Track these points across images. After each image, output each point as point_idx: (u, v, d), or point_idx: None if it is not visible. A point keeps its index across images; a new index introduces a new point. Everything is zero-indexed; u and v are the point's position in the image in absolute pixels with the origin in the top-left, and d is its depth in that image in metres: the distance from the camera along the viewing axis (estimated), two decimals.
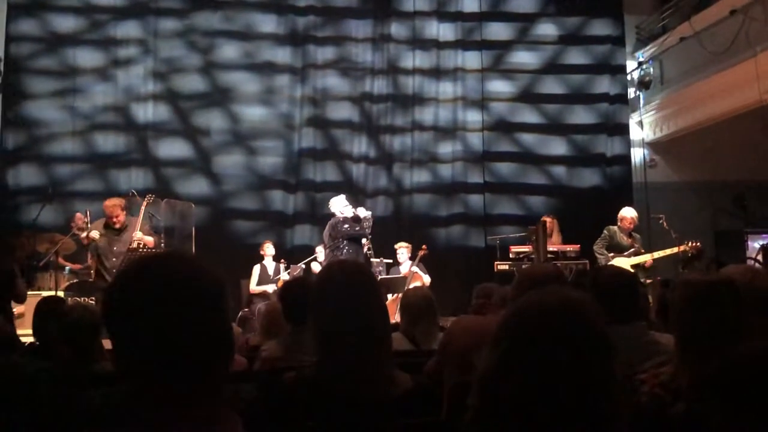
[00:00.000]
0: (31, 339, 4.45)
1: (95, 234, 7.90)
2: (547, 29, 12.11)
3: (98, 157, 11.03)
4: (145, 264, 1.33)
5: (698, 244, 8.65)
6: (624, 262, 8.30)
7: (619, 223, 8.89)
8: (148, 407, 1.25)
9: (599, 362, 1.33)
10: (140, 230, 7.93)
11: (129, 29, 11.27)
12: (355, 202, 9.58)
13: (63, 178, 10.88)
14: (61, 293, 7.95)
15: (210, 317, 1.29)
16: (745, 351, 1.53)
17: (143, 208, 8.27)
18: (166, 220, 9.61)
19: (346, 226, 8.68)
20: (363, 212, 8.73)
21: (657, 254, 8.79)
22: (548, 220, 9.75)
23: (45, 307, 4.14)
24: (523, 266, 4.21)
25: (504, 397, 1.30)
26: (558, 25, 12.13)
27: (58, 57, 11.10)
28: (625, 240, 8.85)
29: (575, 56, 12.18)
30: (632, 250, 8.76)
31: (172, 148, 11.26)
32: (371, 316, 2.19)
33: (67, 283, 8.60)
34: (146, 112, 11.21)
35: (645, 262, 8.65)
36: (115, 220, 7.96)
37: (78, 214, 9.34)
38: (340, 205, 8.85)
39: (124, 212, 8.06)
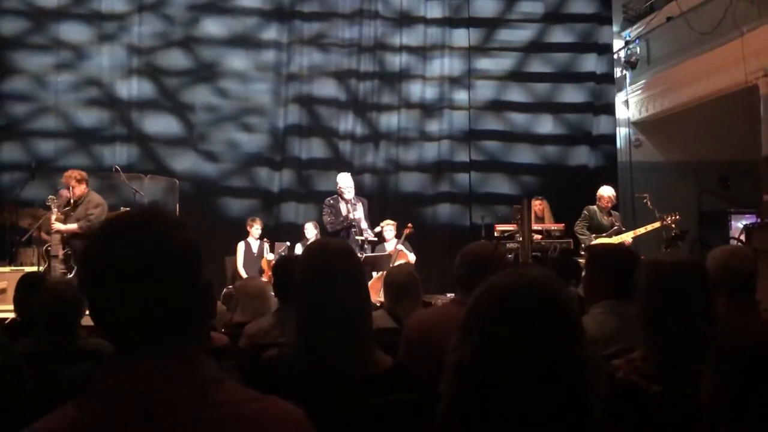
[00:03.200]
0: (12, 315, 4.43)
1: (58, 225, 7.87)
2: (534, 7, 12.06)
3: (82, 132, 10.97)
4: (116, 223, 1.31)
5: (678, 216, 8.71)
6: (605, 242, 8.35)
7: (597, 202, 8.93)
8: (120, 373, 1.24)
9: (572, 340, 1.33)
10: (71, 218, 7.89)
11: (113, 3, 11.15)
12: None
13: (46, 154, 10.81)
14: (43, 269, 7.93)
15: (183, 278, 1.27)
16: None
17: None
18: (149, 195, 9.57)
19: (329, 219, 8.79)
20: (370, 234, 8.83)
21: (638, 231, 8.84)
22: (538, 202, 9.77)
23: (27, 283, 4.12)
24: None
25: (478, 384, 1.30)
26: (545, 3, 12.07)
27: (41, 32, 11.00)
28: (605, 219, 8.88)
29: (562, 35, 12.14)
30: (614, 228, 8.80)
31: (157, 124, 11.19)
32: (352, 295, 2.21)
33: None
34: (130, 88, 11.13)
35: (626, 240, 8.69)
36: (68, 192, 8.06)
37: (62, 191, 9.28)
38: (341, 182, 8.93)
39: (82, 184, 8.02)
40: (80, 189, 8.00)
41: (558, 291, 1.35)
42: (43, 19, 10.98)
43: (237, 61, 11.45)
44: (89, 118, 11.03)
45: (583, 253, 8.77)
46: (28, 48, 10.97)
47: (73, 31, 11.06)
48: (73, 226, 7.87)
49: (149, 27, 11.24)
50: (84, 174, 8.19)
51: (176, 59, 11.31)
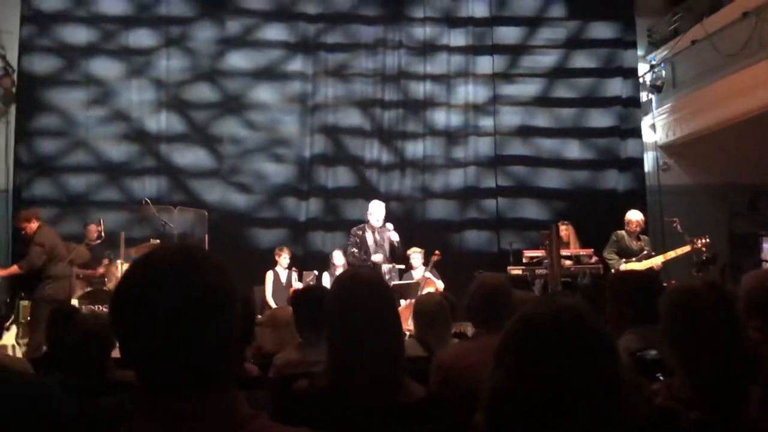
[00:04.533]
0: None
1: None
2: (558, 33, 12.08)
3: (112, 166, 11.12)
4: (150, 261, 1.31)
5: (707, 240, 8.61)
6: (635, 267, 8.27)
7: (626, 227, 8.86)
8: (157, 411, 1.24)
9: (607, 366, 1.31)
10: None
11: (141, 38, 11.36)
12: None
13: (77, 188, 10.98)
14: (75, 302, 8.01)
15: (217, 317, 1.27)
16: None
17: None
18: (178, 227, 9.64)
19: (354, 250, 8.81)
20: (378, 258, 8.78)
21: (668, 255, 8.74)
22: (564, 227, 9.69)
23: (58, 316, 4.15)
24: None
25: (514, 412, 1.29)
26: (569, 28, 12.09)
27: (70, 68, 11.22)
28: (634, 244, 8.80)
29: (587, 59, 12.14)
30: (644, 253, 8.72)
31: (185, 156, 11.33)
32: (385, 325, 2.20)
33: (81, 292, 8.65)
34: (159, 121, 11.30)
35: (656, 264, 8.60)
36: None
37: (92, 224, 9.41)
38: (370, 209, 8.99)
39: (32, 223, 8.06)
40: (30, 228, 8.03)
41: (591, 318, 1.34)
42: (74, 56, 11.20)
43: (263, 93, 11.58)
44: (119, 151, 11.20)
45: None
46: (59, 85, 11.18)
47: (103, 67, 11.27)
48: (13, 268, 7.95)
49: (177, 61, 11.43)
50: (33, 212, 8.23)
51: (203, 92, 11.47)
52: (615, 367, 1.32)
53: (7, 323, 7.79)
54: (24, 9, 11.10)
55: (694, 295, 2.17)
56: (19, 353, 7.43)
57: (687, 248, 8.64)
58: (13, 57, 10.89)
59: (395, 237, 8.95)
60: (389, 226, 8.98)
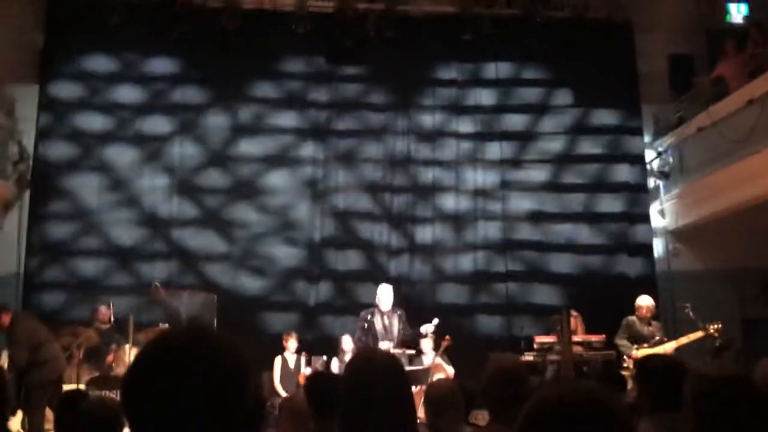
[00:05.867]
0: None
1: None
2: (565, 120, 12.27)
3: (123, 250, 11.18)
4: (162, 343, 1.30)
5: (720, 325, 8.52)
6: (653, 353, 8.16)
7: (636, 313, 8.81)
8: None
9: None
10: None
11: (154, 125, 11.59)
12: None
13: (88, 272, 11.01)
14: (82, 386, 7.94)
15: (231, 401, 1.26)
16: None
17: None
18: (188, 310, 9.62)
19: (362, 336, 8.80)
20: (385, 346, 8.73)
21: (681, 340, 8.64)
22: (572, 317, 9.61)
23: (67, 402, 4.12)
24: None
25: None
26: (576, 116, 12.28)
27: (85, 154, 11.43)
28: (645, 329, 8.73)
29: (594, 146, 12.29)
30: (656, 339, 8.63)
31: (195, 240, 11.39)
32: (399, 410, 2.16)
33: (89, 377, 8.57)
34: (171, 206, 11.41)
35: (669, 350, 8.49)
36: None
37: (102, 307, 9.41)
38: (379, 293, 8.97)
39: (3, 319, 7.82)
40: (3, 323, 7.80)
41: (612, 403, 1.32)
42: (88, 142, 11.42)
43: (274, 178, 11.73)
44: (130, 236, 11.27)
45: (625, 365, 8.58)
46: (73, 170, 11.36)
47: (117, 153, 11.46)
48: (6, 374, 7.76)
49: (189, 147, 11.63)
50: (2, 307, 7.96)
51: (215, 178, 11.63)
52: None
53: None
54: (42, 97, 11.38)
55: (724, 385, 2.14)
56: None
57: (700, 333, 8.56)
58: (29, 143, 11.10)
59: (430, 330, 9.03)
60: (435, 321, 9.03)
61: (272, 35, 11.78)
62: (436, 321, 9.01)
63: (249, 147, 11.75)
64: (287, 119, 11.94)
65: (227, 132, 11.75)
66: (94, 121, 11.50)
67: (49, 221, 11.17)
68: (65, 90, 11.55)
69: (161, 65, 11.84)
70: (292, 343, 9.87)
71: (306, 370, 9.58)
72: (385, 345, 8.64)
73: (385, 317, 8.86)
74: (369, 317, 8.88)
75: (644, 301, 8.86)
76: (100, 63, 11.70)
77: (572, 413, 1.29)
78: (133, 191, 11.41)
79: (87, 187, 11.31)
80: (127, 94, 11.65)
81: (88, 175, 11.37)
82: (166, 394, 1.22)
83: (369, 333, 8.78)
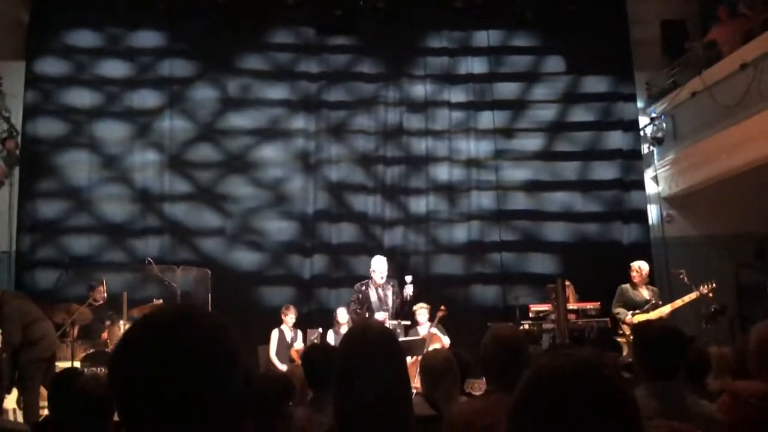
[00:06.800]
0: None
1: None
2: (558, 88, 12.19)
3: (115, 227, 11.13)
4: (149, 320, 1.28)
5: (714, 285, 8.54)
6: (642, 318, 8.20)
7: (630, 279, 8.85)
8: None
9: (629, 424, 1.26)
10: None
11: (143, 99, 11.49)
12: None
13: (80, 249, 10.96)
14: (77, 363, 7.93)
15: (221, 377, 1.24)
16: None
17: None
18: (181, 287, 9.60)
19: (356, 308, 8.81)
20: (381, 316, 8.74)
21: (675, 303, 8.66)
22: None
23: (61, 379, 4.09)
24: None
25: None
26: (569, 83, 12.21)
27: (73, 130, 11.32)
28: (638, 295, 8.74)
29: (587, 113, 12.24)
30: (651, 303, 8.63)
31: (188, 215, 11.35)
32: (394, 382, 2.14)
33: (84, 354, 8.56)
34: (162, 181, 11.33)
35: (664, 314, 8.52)
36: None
37: (99, 287, 9.36)
38: (373, 265, 8.96)
39: None
40: None
41: (611, 372, 1.29)
42: (77, 118, 11.31)
43: (266, 151, 11.66)
44: (122, 212, 11.22)
45: (621, 331, 8.62)
46: (63, 147, 11.26)
47: (106, 129, 11.37)
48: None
49: (179, 122, 11.53)
50: None
51: (206, 152, 11.55)
52: (637, 426, 1.26)
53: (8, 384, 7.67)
54: (28, 73, 11.25)
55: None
56: (20, 417, 7.32)
57: (693, 295, 8.58)
58: (17, 120, 10.98)
59: (410, 290, 8.91)
60: (408, 278, 8.96)
61: (261, 6, 11.65)
62: (410, 278, 8.99)
63: (240, 120, 11.67)
64: (278, 91, 11.85)
65: (217, 105, 11.66)
66: (82, 97, 11.39)
67: (40, 198, 11.09)
68: (52, 66, 11.43)
69: (148, 38, 11.70)
70: (290, 318, 9.85)
71: (298, 345, 9.58)
72: (380, 316, 8.66)
73: (380, 289, 8.88)
74: (363, 289, 8.90)
75: (635, 264, 8.90)
76: (86, 38, 11.57)
77: (571, 384, 1.26)
78: (123, 167, 11.33)
79: (77, 164, 11.23)
80: (115, 68, 11.52)
81: (77, 151, 11.28)
82: (153, 372, 1.20)
83: (364, 305, 8.80)
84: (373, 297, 8.84)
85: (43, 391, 7.43)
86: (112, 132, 11.37)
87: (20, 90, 11.14)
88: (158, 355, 1.21)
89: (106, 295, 8.73)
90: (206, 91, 11.65)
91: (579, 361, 1.28)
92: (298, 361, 9.03)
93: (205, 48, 11.66)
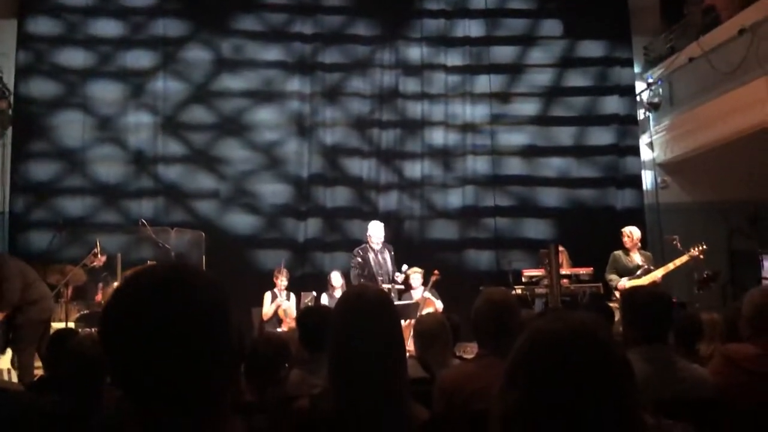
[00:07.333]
0: None
1: None
2: (554, 52, 12.11)
3: (108, 188, 11.09)
4: (140, 278, 1.27)
5: (704, 246, 8.59)
6: (635, 284, 8.24)
7: (623, 244, 8.88)
8: (148, 427, 1.19)
9: (624, 386, 1.26)
10: None
11: (136, 60, 11.36)
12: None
13: (74, 212, 10.92)
14: (72, 324, 7.95)
15: (213, 334, 1.23)
16: None
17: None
18: (175, 248, 9.59)
19: (356, 272, 8.92)
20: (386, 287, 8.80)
21: (667, 267, 8.70)
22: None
23: (57, 340, 4.11)
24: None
25: None
26: (566, 47, 12.13)
27: (66, 90, 11.20)
28: (631, 261, 8.78)
29: (584, 78, 12.18)
30: (643, 269, 8.68)
31: (182, 177, 11.31)
32: (389, 345, 2.15)
33: (78, 314, 8.58)
34: (156, 143, 11.27)
35: (657, 278, 8.57)
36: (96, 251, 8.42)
37: (94, 250, 9.32)
38: (369, 231, 9.09)
39: None
40: None
41: (606, 335, 1.29)
42: (69, 78, 11.20)
43: (260, 113, 11.58)
44: (116, 173, 11.16)
45: (614, 297, 8.67)
46: (56, 107, 11.15)
47: (99, 89, 11.25)
48: None
49: (173, 83, 11.42)
50: None
51: (200, 114, 11.46)
52: (633, 388, 1.27)
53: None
54: (20, 32, 11.11)
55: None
56: (14, 378, 7.35)
57: (685, 258, 8.62)
58: (9, 80, 10.87)
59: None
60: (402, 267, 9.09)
61: None
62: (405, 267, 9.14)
63: (234, 82, 11.57)
64: (272, 53, 11.73)
65: (211, 66, 11.55)
66: (75, 57, 11.26)
67: (33, 159, 11.02)
68: (44, 25, 11.27)
69: None
70: (282, 281, 9.85)
71: (284, 304, 9.46)
72: (383, 282, 8.78)
73: (378, 254, 8.94)
74: (362, 253, 8.97)
75: (625, 230, 8.94)
76: None
77: (566, 346, 1.26)
78: (117, 128, 11.25)
79: (70, 125, 11.14)
80: (108, 27, 11.37)
81: (70, 112, 11.18)
82: (141, 325, 1.20)
83: (365, 269, 8.86)
84: (373, 261, 8.93)
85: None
86: (105, 92, 11.27)
87: (12, 49, 11.01)
88: (150, 312, 1.21)
89: (99, 254, 8.70)
90: (200, 52, 11.53)
91: (574, 324, 1.28)
92: (287, 321, 9.10)
93: (199, 7, 11.52)
